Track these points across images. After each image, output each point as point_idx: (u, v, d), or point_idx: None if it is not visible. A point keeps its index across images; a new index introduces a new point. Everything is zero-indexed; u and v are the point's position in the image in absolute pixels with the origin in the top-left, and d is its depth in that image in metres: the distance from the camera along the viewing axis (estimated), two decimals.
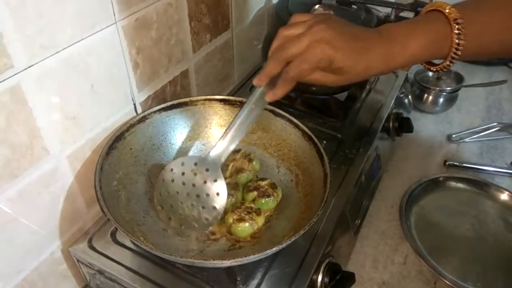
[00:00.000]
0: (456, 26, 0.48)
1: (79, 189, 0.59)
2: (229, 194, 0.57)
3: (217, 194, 0.55)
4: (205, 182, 0.55)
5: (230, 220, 0.56)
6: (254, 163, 0.64)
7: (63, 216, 0.57)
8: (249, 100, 0.53)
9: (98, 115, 0.57)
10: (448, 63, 0.51)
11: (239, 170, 0.62)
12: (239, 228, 0.56)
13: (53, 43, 0.47)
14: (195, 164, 0.56)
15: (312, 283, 0.55)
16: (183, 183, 0.56)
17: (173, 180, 0.57)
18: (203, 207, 0.55)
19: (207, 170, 0.55)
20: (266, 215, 0.59)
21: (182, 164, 0.56)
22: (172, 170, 0.57)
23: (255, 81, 0.52)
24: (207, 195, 0.55)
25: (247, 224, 0.56)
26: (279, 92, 0.51)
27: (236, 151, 0.63)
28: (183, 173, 0.56)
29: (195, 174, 0.56)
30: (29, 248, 0.54)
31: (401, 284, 0.65)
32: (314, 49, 0.47)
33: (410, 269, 0.67)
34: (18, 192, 0.50)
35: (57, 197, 0.56)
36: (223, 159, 0.55)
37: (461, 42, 0.49)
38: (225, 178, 0.58)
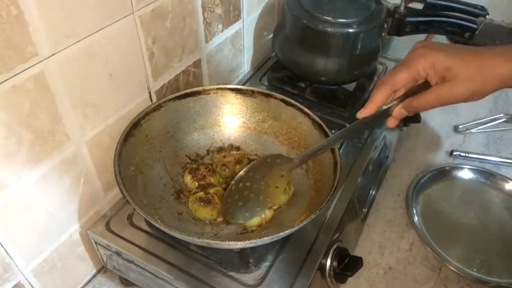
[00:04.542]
0: None
1: (96, 174, 0.61)
2: None
3: None
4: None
5: None
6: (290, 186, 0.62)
7: (81, 199, 0.60)
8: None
9: (116, 102, 0.59)
10: None
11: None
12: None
13: (75, 31, 0.49)
14: None
15: (321, 266, 0.56)
16: None
17: None
18: None
19: None
20: (275, 207, 0.60)
21: None
22: None
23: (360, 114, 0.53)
24: None
25: None
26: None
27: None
28: None
29: None
30: (50, 230, 0.57)
31: (407, 270, 0.67)
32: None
33: (415, 255, 0.69)
34: (40, 176, 0.52)
35: (76, 182, 0.58)
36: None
37: None
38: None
